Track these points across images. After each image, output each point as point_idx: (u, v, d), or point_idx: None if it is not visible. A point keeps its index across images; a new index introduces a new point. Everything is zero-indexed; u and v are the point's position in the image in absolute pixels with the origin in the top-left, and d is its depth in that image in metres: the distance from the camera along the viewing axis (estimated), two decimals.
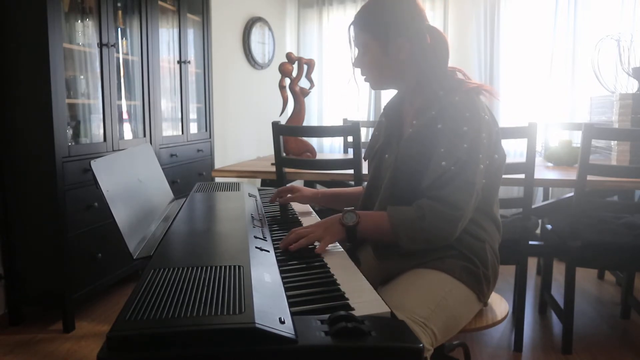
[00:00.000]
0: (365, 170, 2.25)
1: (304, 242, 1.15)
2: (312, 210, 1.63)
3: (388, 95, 4.47)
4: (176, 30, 3.29)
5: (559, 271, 3.16)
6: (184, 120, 3.36)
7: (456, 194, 1.14)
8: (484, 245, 1.23)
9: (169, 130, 3.26)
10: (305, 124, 2.86)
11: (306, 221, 1.45)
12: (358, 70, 1.36)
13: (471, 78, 1.30)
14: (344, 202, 1.58)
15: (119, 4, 2.75)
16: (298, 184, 3.47)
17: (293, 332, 0.68)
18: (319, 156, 2.84)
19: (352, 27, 1.32)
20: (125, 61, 2.85)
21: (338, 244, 1.21)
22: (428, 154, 1.20)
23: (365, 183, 1.47)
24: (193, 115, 3.56)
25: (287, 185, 1.73)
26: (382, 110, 1.45)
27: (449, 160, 1.16)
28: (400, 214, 1.18)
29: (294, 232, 1.18)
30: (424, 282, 1.16)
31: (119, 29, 2.78)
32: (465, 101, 1.19)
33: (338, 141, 4.68)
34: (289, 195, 1.62)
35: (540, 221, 2.73)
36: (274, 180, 2.44)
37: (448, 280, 1.16)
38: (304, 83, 2.75)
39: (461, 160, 1.15)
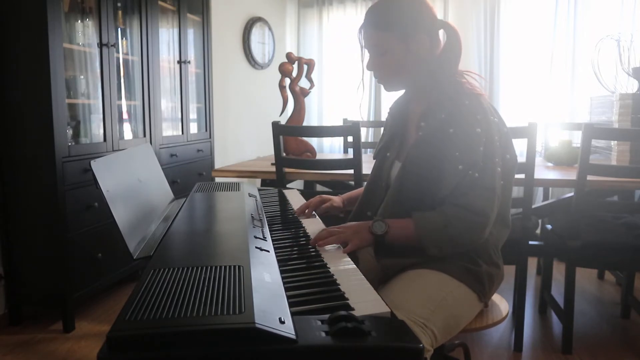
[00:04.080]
0: (365, 170, 2.26)
1: (332, 240, 1.17)
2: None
3: (388, 95, 4.47)
4: (176, 30, 3.29)
5: (559, 271, 3.16)
6: (184, 120, 3.36)
7: (480, 200, 1.15)
8: (487, 245, 1.23)
9: (169, 130, 3.26)
10: (305, 124, 2.86)
11: (306, 221, 1.45)
12: (368, 73, 1.35)
13: (480, 83, 1.30)
14: None
15: (119, 4, 2.75)
16: (298, 184, 3.48)
17: (293, 332, 0.68)
18: (319, 156, 2.84)
19: (363, 29, 1.29)
20: (125, 61, 2.84)
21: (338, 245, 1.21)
22: (439, 158, 1.19)
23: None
24: (193, 115, 3.56)
25: (317, 199, 1.57)
26: (388, 110, 1.45)
27: (465, 164, 1.16)
28: (426, 222, 1.17)
29: (325, 230, 1.20)
30: (424, 282, 1.15)
31: (119, 29, 2.77)
32: (475, 104, 1.20)
33: (338, 141, 4.68)
34: (322, 206, 1.54)
35: (540, 221, 2.73)
36: (274, 180, 2.44)
37: (448, 281, 1.16)
38: (304, 83, 2.75)
39: (478, 165, 1.15)
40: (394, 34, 1.23)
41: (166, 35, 3.22)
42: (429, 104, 1.26)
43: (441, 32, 1.29)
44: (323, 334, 0.69)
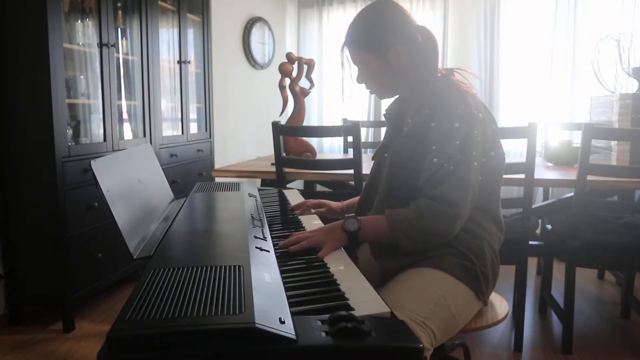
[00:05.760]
0: (365, 170, 2.26)
1: (304, 244, 1.15)
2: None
3: None
4: (176, 30, 3.29)
5: (559, 271, 3.16)
6: (184, 120, 3.36)
7: (452, 192, 1.15)
8: (481, 243, 1.23)
9: (169, 130, 3.26)
10: (305, 124, 2.86)
11: (306, 221, 1.45)
12: (347, 87, 1.40)
13: (467, 79, 1.32)
14: None
15: (119, 4, 2.75)
16: (298, 184, 3.48)
17: (293, 332, 0.68)
18: (319, 156, 2.84)
19: (345, 47, 1.34)
20: (125, 61, 2.84)
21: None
22: (423, 152, 1.22)
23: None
24: (193, 115, 3.56)
25: (315, 200, 1.62)
26: (383, 114, 1.47)
27: (440, 157, 1.18)
28: (399, 215, 1.19)
29: (294, 235, 1.19)
30: (422, 281, 1.16)
31: (119, 29, 2.77)
32: (459, 99, 1.21)
33: (338, 141, 4.68)
34: (319, 209, 1.59)
35: (540, 221, 2.73)
36: (274, 180, 2.44)
37: (447, 279, 1.16)
38: (304, 83, 2.75)
39: (454, 158, 1.17)
40: (369, 50, 1.28)
41: (166, 35, 3.22)
42: (419, 102, 1.29)
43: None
44: (323, 334, 0.69)
